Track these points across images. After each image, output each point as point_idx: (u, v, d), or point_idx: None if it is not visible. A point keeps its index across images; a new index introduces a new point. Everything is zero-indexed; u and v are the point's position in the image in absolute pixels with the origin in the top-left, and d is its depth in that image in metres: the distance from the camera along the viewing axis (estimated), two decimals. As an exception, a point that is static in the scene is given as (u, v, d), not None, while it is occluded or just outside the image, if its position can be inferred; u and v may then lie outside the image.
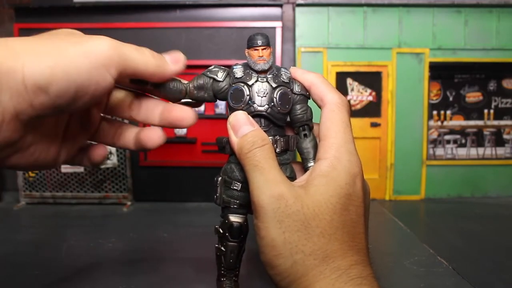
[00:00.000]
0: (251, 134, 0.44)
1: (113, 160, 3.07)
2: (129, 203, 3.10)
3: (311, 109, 0.55)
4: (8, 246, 2.03)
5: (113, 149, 3.06)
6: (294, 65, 3.25)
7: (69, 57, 0.34)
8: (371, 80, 3.25)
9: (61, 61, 0.34)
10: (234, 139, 0.45)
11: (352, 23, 3.17)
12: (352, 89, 3.28)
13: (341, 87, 3.27)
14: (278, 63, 3.16)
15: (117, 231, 2.27)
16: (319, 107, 0.50)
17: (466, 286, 1.44)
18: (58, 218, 2.71)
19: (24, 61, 0.32)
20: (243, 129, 0.45)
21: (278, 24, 3.15)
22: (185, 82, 0.53)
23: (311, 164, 0.52)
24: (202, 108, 3.26)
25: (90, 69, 0.36)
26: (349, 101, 3.23)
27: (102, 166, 3.07)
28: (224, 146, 0.53)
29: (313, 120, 0.57)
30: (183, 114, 0.49)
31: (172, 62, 0.44)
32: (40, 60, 0.33)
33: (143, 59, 0.40)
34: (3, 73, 0.31)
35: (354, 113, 3.29)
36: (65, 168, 3.09)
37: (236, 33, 3.11)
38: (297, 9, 3.16)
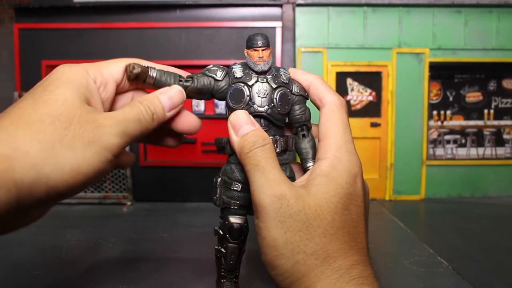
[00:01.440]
0: (252, 133, 0.44)
1: (113, 160, 3.06)
2: (129, 203, 3.09)
3: (309, 109, 0.55)
4: (8, 246, 2.03)
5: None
6: (294, 65, 3.25)
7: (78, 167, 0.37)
8: (371, 80, 3.25)
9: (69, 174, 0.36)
10: (235, 139, 0.45)
11: (352, 23, 3.17)
12: (352, 89, 3.28)
13: (341, 87, 3.27)
14: (278, 63, 3.16)
15: (117, 231, 2.27)
16: (317, 108, 0.50)
17: (466, 286, 1.44)
18: (58, 218, 2.71)
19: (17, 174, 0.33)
20: (244, 129, 0.45)
21: (278, 24, 3.15)
22: (185, 77, 0.53)
23: (310, 164, 0.52)
24: (202, 108, 3.27)
25: (99, 169, 0.39)
26: (348, 101, 3.24)
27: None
28: (223, 147, 0.53)
29: (311, 121, 0.57)
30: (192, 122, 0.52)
31: (168, 109, 0.48)
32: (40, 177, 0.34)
33: (142, 128, 0.44)
34: None
35: (354, 113, 3.29)
36: (65, 168, 3.09)
37: (236, 33, 3.11)
38: (297, 9, 3.16)
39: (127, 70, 0.48)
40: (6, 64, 3.47)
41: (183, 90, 0.50)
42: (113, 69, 0.46)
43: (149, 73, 0.49)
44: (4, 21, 3.46)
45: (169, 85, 0.50)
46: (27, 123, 0.35)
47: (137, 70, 0.48)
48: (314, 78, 0.51)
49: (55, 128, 0.36)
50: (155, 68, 0.51)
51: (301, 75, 0.53)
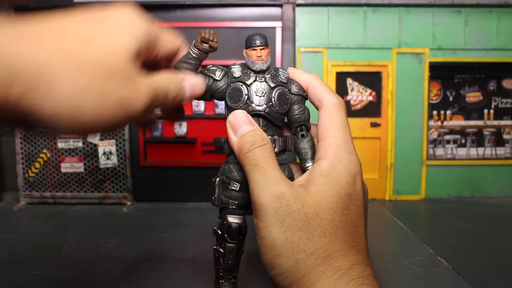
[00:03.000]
0: (251, 133, 0.44)
1: (113, 160, 3.07)
2: (129, 203, 3.09)
3: (308, 109, 0.55)
4: (8, 246, 2.02)
5: (113, 149, 3.06)
6: (294, 65, 3.24)
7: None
8: (371, 80, 3.25)
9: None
10: (234, 139, 0.45)
11: (352, 23, 3.17)
12: (352, 89, 3.28)
13: (341, 87, 3.27)
14: (278, 63, 3.16)
15: (117, 231, 2.27)
16: (316, 108, 0.50)
17: (466, 286, 1.44)
18: (58, 218, 2.71)
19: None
20: (242, 129, 0.45)
21: (278, 24, 3.15)
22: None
23: (309, 164, 0.52)
24: (202, 108, 3.27)
25: (117, 126, 0.39)
26: (348, 101, 3.24)
27: (102, 166, 3.07)
28: (222, 146, 0.53)
29: (311, 121, 0.57)
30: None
31: (188, 97, 0.48)
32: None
33: (163, 103, 0.44)
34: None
35: (354, 113, 3.29)
36: (65, 168, 3.09)
37: (236, 33, 3.11)
38: (297, 9, 3.16)
39: (210, 41, 0.50)
40: (6, 64, 3.47)
41: (204, 82, 0.52)
42: (168, 45, 0.46)
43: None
44: (4, 21, 3.46)
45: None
46: (68, 57, 0.34)
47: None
48: (313, 78, 0.51)
49: (92, 76, 0.35)
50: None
51: (299, 75, 0.53)
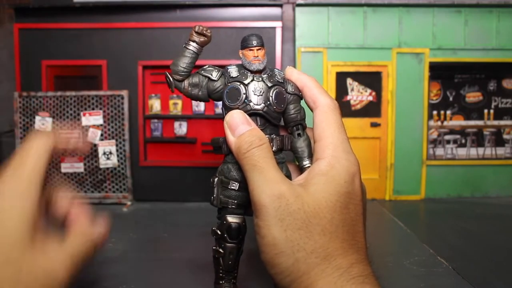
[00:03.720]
0: (249, 133, 0.44)
1: (113, 160, 3.07)
2: (129, 203, 3.09)
3: (304, 109, 0.55)
4: (8, 246, 2.02)
5: (113, 149, 3.06)
6: (294, 65, 3.24)
7: None
8: (371, 80, 3.25)
9: None
10: (232, 139, 0.46)
11: (352, 23, 3.17)
12: (352, 89, 3.28)
13: (341, 87, 3.27)
14: (278, 63, 3.16)
15: (117, 231, 2.27)
16: (311, 109, 0.50)
17: (466, 286, 1.44)
18: (58, 218, 2.70)
19: None
20: (240, 129, 0.45)
21: (278, 24, 3.15)
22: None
23: (306, 162, 0.52)
24: (202, 108, 3.27)
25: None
26: (348, 101, 3.24)
27: (102, 166, 3.07)
28: (220, 146, 0.53)
29: (306, 121, 0.57)
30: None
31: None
32: None
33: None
34: None
35: (354, 113, 3.29)
36: (65, 168, 3.09)
37: (236, 33, 3.11)
38: (297, 9, 3.16)
39: (205, 31, 0.51)
40: (6, 64, 3.47)
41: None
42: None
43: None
44: (4, 21, 3.47)
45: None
46: None
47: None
48: (308, 80, 0.52)
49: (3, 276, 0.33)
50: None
51: (296, 75, 0.53)
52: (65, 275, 0.38)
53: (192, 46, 0.51)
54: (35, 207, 0.40)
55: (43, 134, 0.49)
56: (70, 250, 0.41)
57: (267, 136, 0.51)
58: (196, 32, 0.50)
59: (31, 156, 0.43)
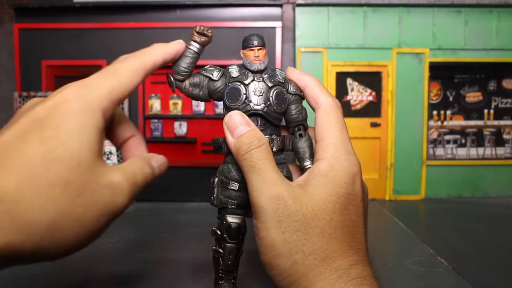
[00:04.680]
0: (248, 134, 0.44)
1: (113, 160, 3.07)
2: (129, 203, 3.09)
3: (305, 109, 0.55)
4: (8, 246, 2.02)
5: (113, 149, 3.06)
6: (294, 65, 3.24)
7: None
8: (371, 80, 3.25)
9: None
10: (231, 140, 0.46)
11: (352, 23, 3.17)
12: (352, 89, 3.28)
13: (341, 87, 3.27)
14: (278, 63, 3.16)
15: (117, 231, 2.27)
16: (313, 109, 0.50)
17: (466, 286, 1.44)
18: (58, 218, 2.70)
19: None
20: (239, 130, 0.45)
21: (278, 24, 3.15)
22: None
23: (307, 163, 0.52)
24: (202, 108, 3.27)
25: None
26: (348, 101, 3.24)
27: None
28: (220, 146, 0.53)
29: (308, 121, 0.57)
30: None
31: (157, 175, 0.51)
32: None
33: (142, 190, 0.46)
34: None
35: (354, 113, 3.29)
36: (65, 168, 3.09)
37: (236, 33, 3.12)
38: (297, 9, 3.16)
39: (206, 31, 0.51)
40: (6, 64, 3.47)
41: (165, 160, 0.54)
42: (120, 93, 0.43)
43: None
44: (4, 21, 3.47)
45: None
46: (36, 186, 0.30)
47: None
48: (310, 80, 0.52)
49: (67, 196, 0.32)
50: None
51: (298, 75, 0.53)
52: (125, 201, 0.38)
53: (193, 46, 0.51)
54: (103, 128, 0.38)
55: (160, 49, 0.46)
56: (129, 175, 0.39)
57: (267, 136, 0.51)
58: (197, 32, 0.51)
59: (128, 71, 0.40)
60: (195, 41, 0.52)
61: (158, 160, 0.47)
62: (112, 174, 0.36)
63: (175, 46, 0.50)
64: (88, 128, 0.35)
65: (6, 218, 0.28)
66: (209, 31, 0.51)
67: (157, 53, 0.47)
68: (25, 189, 0.30)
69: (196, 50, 0.52)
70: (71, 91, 0.36)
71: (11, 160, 0.31)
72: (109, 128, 0.51)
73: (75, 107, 0.35)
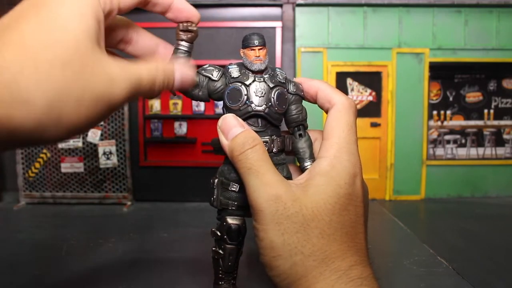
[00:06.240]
0: (241, 135, 0.44)
1: (113, 160, 3.07)
2: (129, 203, 3.10)
3: (305, 109, 0.55)
4: (8, 246, 2.03)
5: (113, 149, 3.06)
6: (294, 65, 3.25)
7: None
8: (371, 80, 3.25)
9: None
10: (225, 143, 0.45)
11: (352, 23, 3.17)
12: (352, 89, 3.28)
13: (341, 87, 3.27)
14: (278, 63, 3.16)
15: (117, 231, 2.27)
16: (326, 111, 0.50)
17: (466, 286, 1.44)
18: (58, 218, 2.71)
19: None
20: (233, 131, 0.45)
21: (278, 24, 3.15)
22: None
23: (307, 163, 0.52)
24: (202, 108, 3.27)
25: (95, 124, 0.37)
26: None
27: (102, 166, 3.07)
28: (220, 147, 0.53)
29: (309, 122, 0.57)
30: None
31: (176, 88, 0.45)
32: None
33: (148, 93, 0.41)
34: None
35: (354, 113, 3.29)
36: (65, 168, 3.09)
37: (236, 33, 3.11)
38: (297, 9, 3.16)
39: (190, 26, 0.48)
40: (6, 64, 3.47)
41: (194, 71, 0.49)
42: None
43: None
44: (4, 21, 3.46)
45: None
46: (34, 64, 0.30)
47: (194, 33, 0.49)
48: (320, 83, 0.51)
49: (66, 77, 0.32)
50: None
51: (306, 81, 0.53)
52: (121, 95, 0.36)
53: (182, 46, 0.50)
54: (101, 19, 0.37)
55: None
56: (130, 72, 0.38)
57: (267, 137, 0.51)
58: (182, 30, 0.50)
59: None
60: (182, 39, 0.51)
61: (181, 70, 0.44)
62: (110, 66, 0.36)
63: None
64: (86, 16, 0.35)
65: (6, 92, 0.29)
66: (193, 25, 0.50)
67: None
68: (23, 67, 0.30)
69: (186, 48, 0.51)
70: None
71: (9, 39, 0.31)
72: (127, 36, 0.50)
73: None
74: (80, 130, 0.35)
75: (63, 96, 0.32)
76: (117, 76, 0.36)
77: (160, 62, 0.43)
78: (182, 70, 0.45)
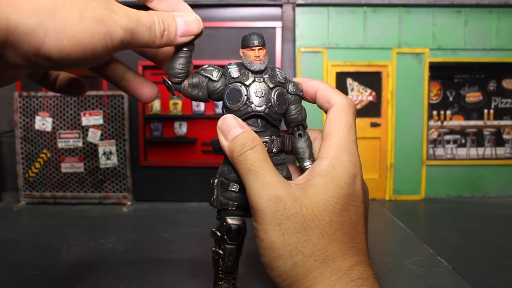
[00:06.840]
0: (241, 136, 0.44)
1: (113, 160, 3.07)
2: (129, 203, 3.09)
3: (305, 109, 0.55)
4: (8, 246, 2.03)
5: (113, 149, 3.06)
6: (294, 65, 3.25)
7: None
8: (371, 80, 3.25)
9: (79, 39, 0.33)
10: (225, 143, 0.45)
11: (352, 23, 3.17)
12: (352, 89, 3.28)
13: (341, 87, 3.27)
14: (278, 63, 3.16)
15: (117, 231, 2.27)
16: (325, 111, 0.50)
17: (466, 286, 1.44)
18: (58, 218, 2.71)
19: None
20: (232, 132, 0.45)
21: (278, 24, 3.15)
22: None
23: (307, 163, 0.52)
24: (202, 108, 3.27)
25: (98, 53, 0.36)
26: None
27: (102, 166, 3.07)
28: (220, 148, 0.53)
29: (308, 122, 0.57)
30: (149, 91, 0.51)
31: (181, 33, 0.43)
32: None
33: (149, 38, 0.40)
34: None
35: (354, 113, 3.28)
36: (65, 168, 3.09)
37: (236, 33, 3.11)
38: (297, 9, 3.16)
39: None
40: (6, 64, 3.47)
41: (200, 20, 0.48)
42: None
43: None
44: (4, 21, 3.46)
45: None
46: None
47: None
48: (320, 83, 0.51)
49: None
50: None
51: (305, 81, 0.53)
52: (120, 30, 0.36)
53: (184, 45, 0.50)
54: None
55: None
56: (129, 16, 0.37)
57: (267, 137, 0.51)
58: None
59: None
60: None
61: (184, 17, 0.42)
62: (112, 4, 0.36)
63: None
64: None
65: None
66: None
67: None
68: None
69: (187, 48, 0.50)
70: None
71: None
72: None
73: None
74: (83, 51, 0.34)
75: (65, 3, 0.32)
76: (117, 10, 0.36)
77: (162, 11, 0.43)
78: (185, 17, 0.44)
